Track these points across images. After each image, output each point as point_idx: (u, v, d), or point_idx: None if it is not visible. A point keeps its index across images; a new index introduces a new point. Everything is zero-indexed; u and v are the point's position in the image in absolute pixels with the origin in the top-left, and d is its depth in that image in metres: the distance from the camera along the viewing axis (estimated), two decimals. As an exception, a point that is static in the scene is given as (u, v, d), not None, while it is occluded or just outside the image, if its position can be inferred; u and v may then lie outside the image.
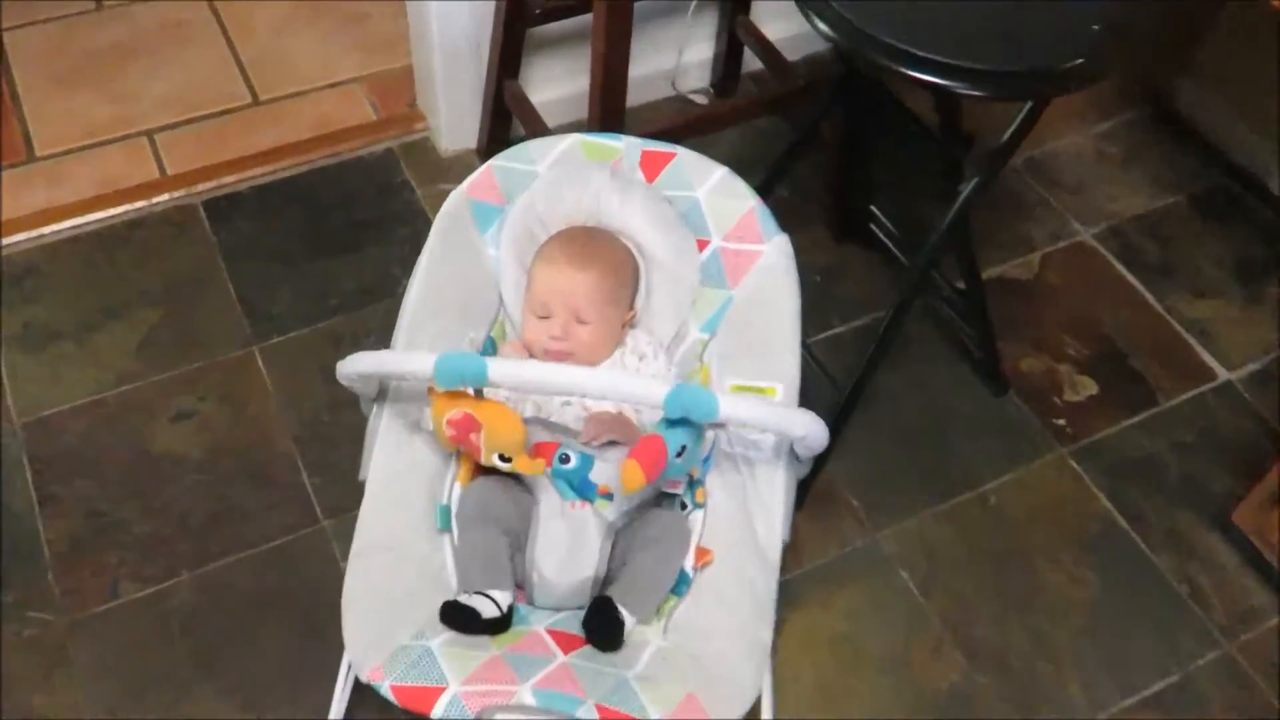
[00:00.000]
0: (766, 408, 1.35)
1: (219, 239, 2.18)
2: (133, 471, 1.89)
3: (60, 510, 1.85)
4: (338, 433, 1.92)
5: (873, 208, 2.06)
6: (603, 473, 1.43)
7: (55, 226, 2.19)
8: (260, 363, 2.01)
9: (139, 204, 2.21)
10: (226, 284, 2.11)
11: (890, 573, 1.85)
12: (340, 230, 2.22)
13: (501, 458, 1.37)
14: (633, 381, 1.31)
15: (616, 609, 1.32)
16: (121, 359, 2.03)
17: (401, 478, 1.44)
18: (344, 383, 1.42)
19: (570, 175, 1.61)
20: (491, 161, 1.64)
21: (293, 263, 2.14)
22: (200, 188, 2.24)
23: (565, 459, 1.43)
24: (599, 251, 1.54)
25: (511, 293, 1.61)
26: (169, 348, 2.01)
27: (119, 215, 2.19)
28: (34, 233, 2.18)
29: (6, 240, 2.16)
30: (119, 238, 2.17)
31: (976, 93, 1.41)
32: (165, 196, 2.22)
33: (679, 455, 1.32)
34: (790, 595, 1.78)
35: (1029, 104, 1.53)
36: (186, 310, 2.07)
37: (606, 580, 1.40)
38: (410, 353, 1.41)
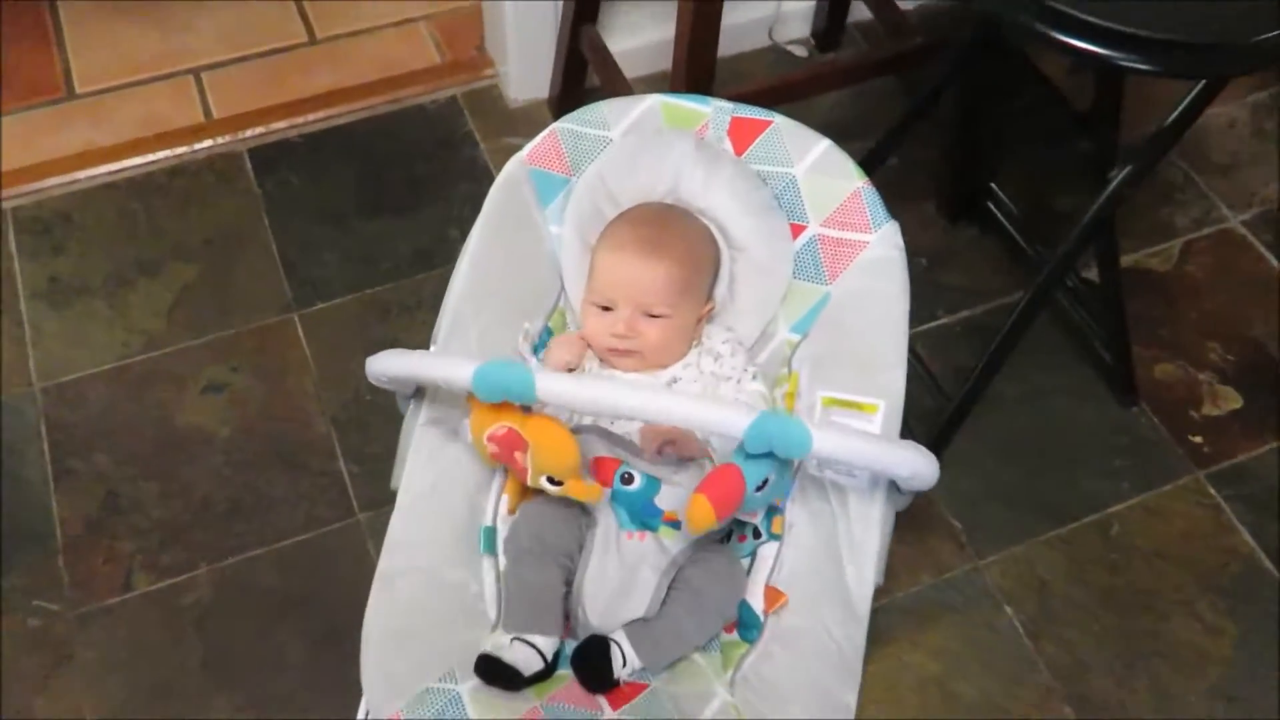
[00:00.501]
0: (868, 444, 1.13)
1: (264, 191, 2.03)
2: (156, 448, 1.74)
3: (76, 486, 1.70)
4: (380, 416, 1.74)
5: (993, 186, 1.80)
6: (671, 497, 1.24)
7: (90, 171, 2.05)
8: (300, 331, 1.86)
9: (180, 150, 2.06)
10: (269, 242, 1.96)
11: (993, 608, 1.63)
12: (396, 187, 2.04)
13: (551, 480, 1.16)
14: (706, 408, 1.09)
15: (609, 658, 1.16)
16: (152, 320, 1.88)
17: (438, 490, 1.26)
18: (374, 381, 1.23)
19: (647, 144, 1.40)
20: (557, 124, 1.42)
21: (342, 221, 1.98)
22: (248, 134, 2.08)
23: (627, 479, 1.24)
24: (673, 235, 1.34)
25: (574, 278, 1.41)
26: (203, 310, 1.87)
27: (159, 161, 2.06)
28: (67, 177, 2.03)
29: (37, 185, 2.02)
30: (158, 186, 2.04)
31: (1147, 67, 1.15)
32: (209, 142, 2.08)
33: (760, 489, 1.11)
34: (873, 627, 1.55)
35: (1202, 83, 1.27)
36: (224, 269, 1.93)
37: None
38: (447, 357, 1.20)
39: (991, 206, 1.86)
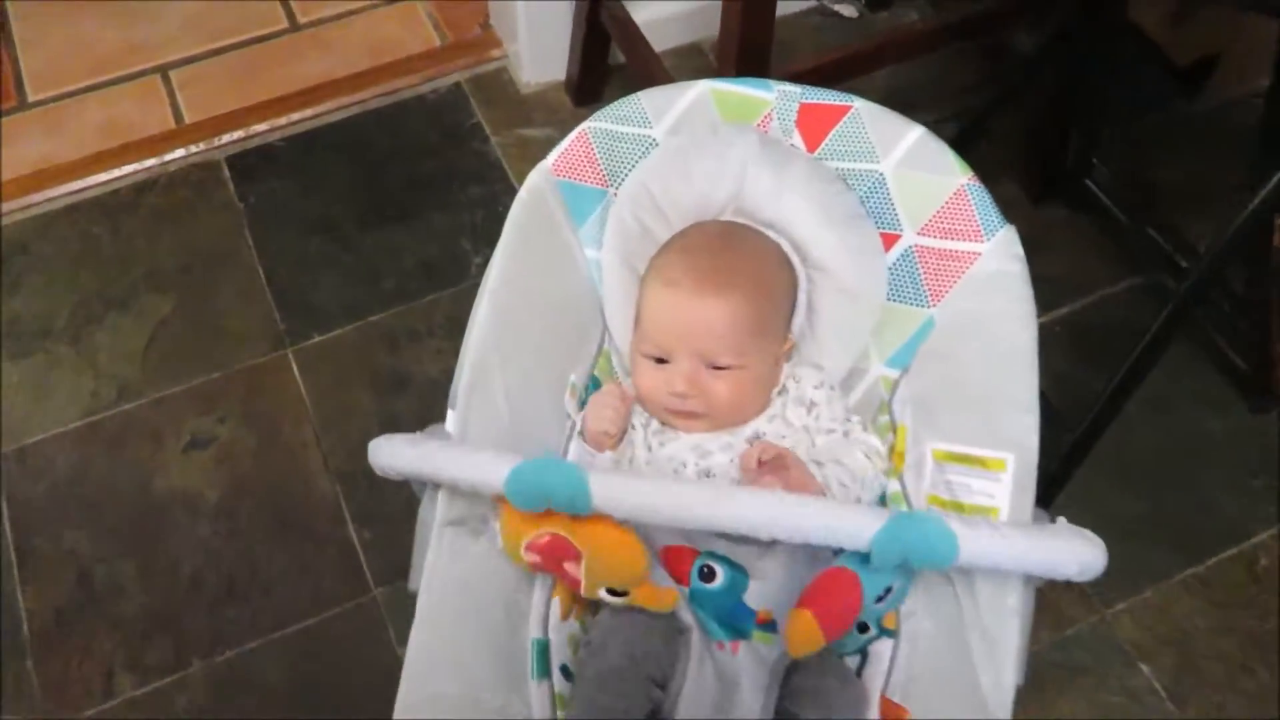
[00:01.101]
0: (1028, 542, 0.87)
1: (246, 205, 1.82)
2: (133, 518, 1.52)
3: (43, 569, 1.48)
4: (392, 468, 1.48)
5: (1094, 160, 1.54)
6: (762, 593, 1.00)
7: (49, 192, 1.84)
8: (295, 369, 1.65)
9: (149, 161, 1.85)
10: (254, 263, 1.75)
11: (1126, 668, 1.40)
12: (397, 191, 1.83)
13: (612, 591, 0.91)
14: (823, 512, 0.83)
15: None
16: (124, 364, 1.66)
17: (470, 591, 1.00)
18: (381, 474, 0.97)
19: (700, 144, 1.14)
20: (587, 124, 1.18)
21: (337, 234, 1.78)
22: (224, 139, 1.88)
23: (707, 574, 1.00)
24: (739, 262, 1.10)
25: (618, 313, 1.16)
26: (181, 349, 1.67)
27: (125, 176, 1.85)
28: (22, 200, 1.82)
29: (-11, 212, 1.77)
30: (125, 204, 1.83)
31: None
32: (182, 151, 1.87)
33: (880, 599, 0.87)
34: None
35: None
36: (204, 299, 1.72)
37: None
38: (470, 451, 0.93)
39: (1090, 183, 1.59)
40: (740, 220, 1.15)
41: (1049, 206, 1.74)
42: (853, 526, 0.80)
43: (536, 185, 1.16)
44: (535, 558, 0.91)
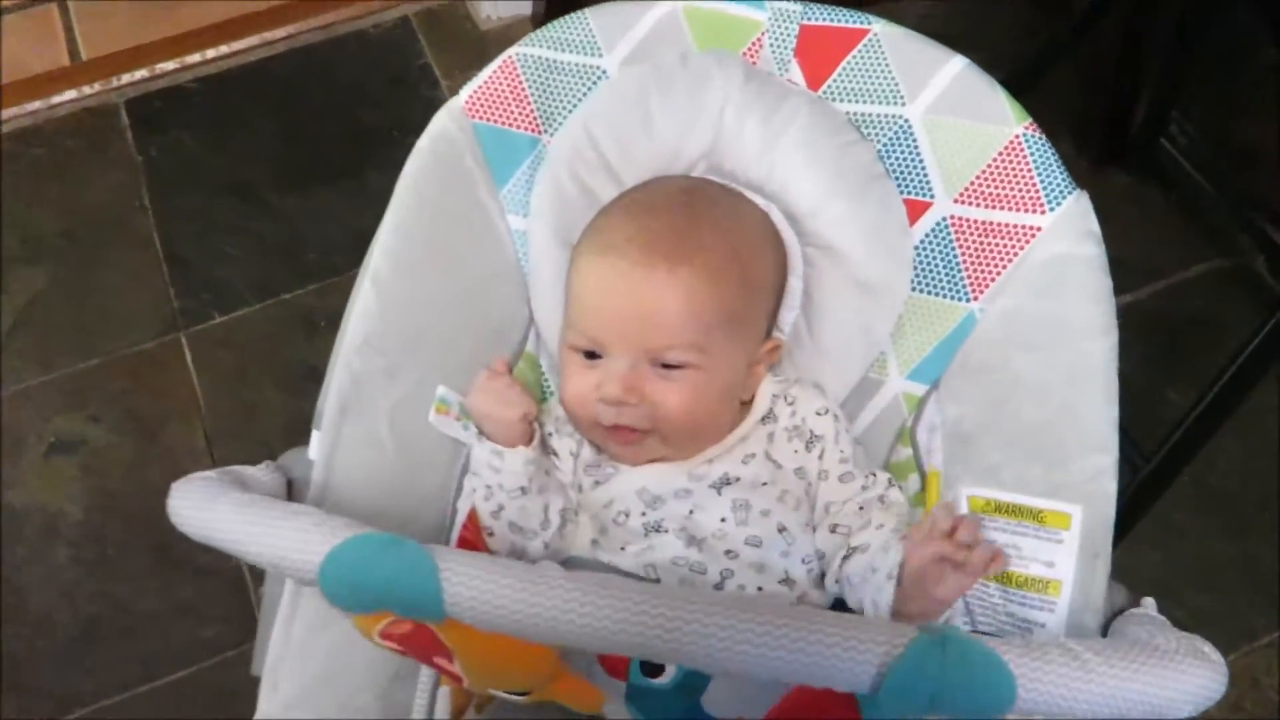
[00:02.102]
0: (1123, 679, 0.57)
1: (146, 158, 1.61)
2: None
3: None
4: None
5: (1173, 113, 1.27)
6: (728, 700, 0.73)
7: None
8: (189, 357, 1.44)
9: (34, 105, 1.64)
10: (150, 230, 1.54)
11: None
12: (328, 146, 1.62)
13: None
14: (811, 646, 0.53)
15: None
16: None
17: (331, 685, 0.78)
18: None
19: (667, 80, 0.90)
20: (515, 49, 0.93)
21: (253, 196, 1.57)
22: (124, 79, 1.66)
23: (653, 668, 0.72)
24: (706, 228, 0.83)
25: (549, 300, 0.90)
26: (54, 331, 1.46)
27: (7, 122, 1.63)
28: None
29: None
30: (3, 157, 1.62)
31: None
32: (73, 93, 1.65)
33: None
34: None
35: None
36: (87, 270, 1.51)
37: None
38: (274, 516, 0.63)
39: (1165, 144, 1.32)
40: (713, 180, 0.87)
41: (1110, 173, 1.53)
42: (852, 663, 0.51)
43: (444, 130, 0.92)
44: (396, 647, 0.63)
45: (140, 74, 1.64)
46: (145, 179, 1.57)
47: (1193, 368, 1.33)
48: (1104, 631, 0.76)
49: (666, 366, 0.80)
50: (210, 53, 1.66)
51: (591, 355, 0.81)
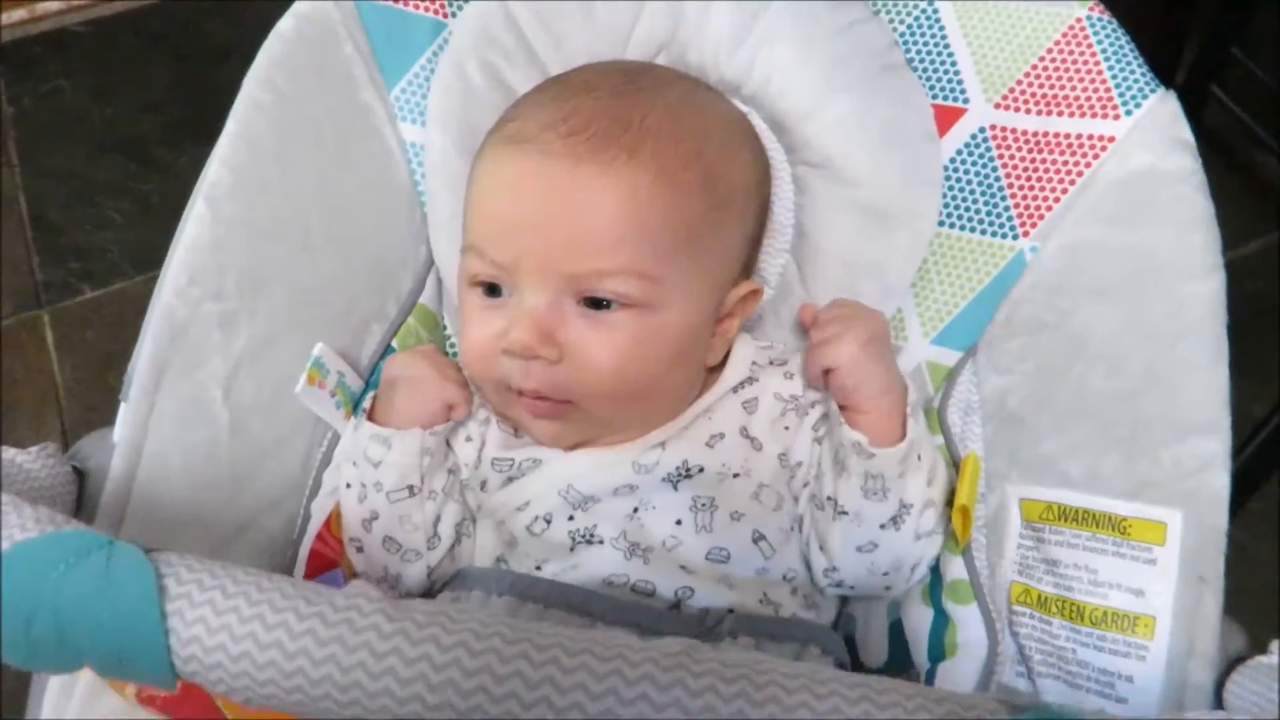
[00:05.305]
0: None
1: (17, 109, 1.46)
2: None
3: None
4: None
5: (1235, 50, 1.08)
6: None
7: None
8: (49, 337, 1.29)
9: None
10: (16, 190, 1.39)
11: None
12: (232, 95, 1.34)
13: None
14: None
15: None
16: None
17: None
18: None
19: None
20: None
21: (141, 153, 1.42)
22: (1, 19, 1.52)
23: None
24: (653, 113, 0.59)
25: (451, 232, 0.67)
26: None
27: None
28: None
29: None
30: None
31: None
32: None
33: None
34: None
35: None
36: None
37: None
38: None
39: (1217, 91, 1.12)
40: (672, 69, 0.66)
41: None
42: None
43: (315, 9, 0.68)
44: (160, 715, 0.41)
45: (19, 14, 1.48)
46: (14, 132, 1.45)
47: (1256, 358, 1.13)
48: (1218, 692, 0.54)
49: (596, 305, 0.55)
50: (104, -14, 1.49)
51: (496, 291, 0.57)
